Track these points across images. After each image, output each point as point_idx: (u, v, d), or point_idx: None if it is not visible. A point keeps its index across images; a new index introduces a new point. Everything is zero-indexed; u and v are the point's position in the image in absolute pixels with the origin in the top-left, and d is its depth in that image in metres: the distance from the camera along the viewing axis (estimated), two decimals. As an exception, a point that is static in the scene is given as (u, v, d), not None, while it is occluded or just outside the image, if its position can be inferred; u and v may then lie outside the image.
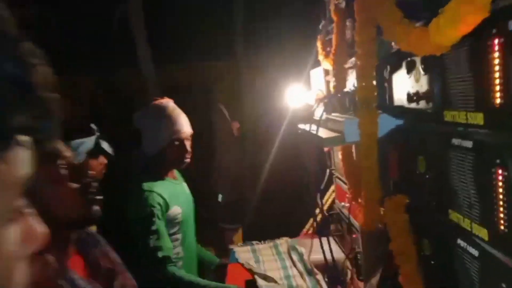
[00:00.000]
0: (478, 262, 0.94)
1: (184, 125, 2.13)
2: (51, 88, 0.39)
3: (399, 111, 1.32)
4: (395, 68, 1.32)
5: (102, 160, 2.44)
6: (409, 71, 1.20)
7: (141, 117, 2.16)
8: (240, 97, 4.35)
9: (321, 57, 2.51)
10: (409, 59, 1.19)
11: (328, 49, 2.48)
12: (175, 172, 2.28)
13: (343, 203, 2.40)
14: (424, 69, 1.11)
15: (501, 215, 0.82)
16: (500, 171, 0.81)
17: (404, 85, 1.25)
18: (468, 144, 0.92)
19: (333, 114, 1.74)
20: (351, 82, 1.99)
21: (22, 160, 0.39)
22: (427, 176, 1.15)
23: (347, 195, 2.34)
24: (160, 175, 2.13)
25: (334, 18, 2.08)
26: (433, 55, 1.00)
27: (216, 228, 3.43)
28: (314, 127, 1.67)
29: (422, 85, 1.13)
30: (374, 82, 1.34)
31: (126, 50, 4.00)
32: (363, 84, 1.34)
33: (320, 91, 2.66)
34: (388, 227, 1.34)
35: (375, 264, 2.10)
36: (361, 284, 2.13)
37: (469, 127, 0.92)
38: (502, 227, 0.82)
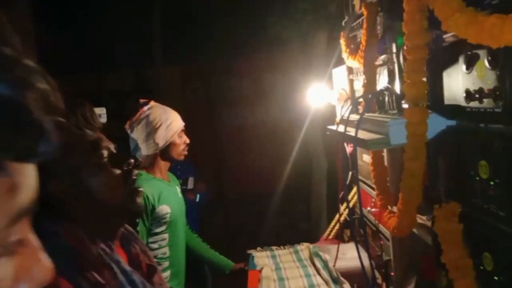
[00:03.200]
0: None
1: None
2: (50, 107, 0.37)
3: (452, 111, 1.20)
4: (448, 64, 1.20)
5: None
6: (469, 66, 1.08)
7: (144, 116, 2.10)
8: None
9: (345, 55, 2.39)
10: (469, 52, 1.07)
11: (352, 46, 2.37)
12: (168, 175, 2.25)
13: (369, 208, 2.28)
14: (491, 63, 0.99)
15: None
16: None
17: (461, 82, 1.13)
18: (556, 148, 0.80)
19: (367, 114, 1.62)
20: (383, 80, 1.87)
21: (14, 185, 0.35)
22: (491, 183, 1.03)
23: (372, 200, 2.23)
24: (154, 173, 2.12)
25: (364, 12, 1.96)
26: (505, 47, 0.88)
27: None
28: (349, 128, 1.55)
29: (489, 81, 1.01)
30: (425, 79, 1.22)
31: None
32: (413, 80, 1.23)
33: (344, 90, 2.54)
34: (440, 238, 1.22)
35: (408, 273, 1.98)
36: (390, 293, 2.02)
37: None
38: None
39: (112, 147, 0.99)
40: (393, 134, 1.27)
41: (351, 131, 1.54)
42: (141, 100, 2.23)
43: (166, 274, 2.08)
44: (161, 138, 2.03)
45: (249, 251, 2.56)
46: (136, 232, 1.94)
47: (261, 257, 2.45)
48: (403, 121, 1.25)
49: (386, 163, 1.89)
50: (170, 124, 2.07)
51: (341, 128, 1.61)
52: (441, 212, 1.23)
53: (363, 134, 1.43)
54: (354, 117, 1.69)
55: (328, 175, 4.23)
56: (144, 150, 2.08)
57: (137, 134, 2.06)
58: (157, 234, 2.01)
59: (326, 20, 2.83)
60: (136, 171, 1.02)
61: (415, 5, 1.20)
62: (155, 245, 2.04)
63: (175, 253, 2.13)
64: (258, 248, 2.64)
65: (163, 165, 2.14)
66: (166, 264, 2.07)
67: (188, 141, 2.17)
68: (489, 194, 1.04)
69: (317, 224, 4.92)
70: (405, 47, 1.27)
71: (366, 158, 2.25)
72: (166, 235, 2.06)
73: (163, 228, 2.04)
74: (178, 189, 2.28)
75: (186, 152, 2.18)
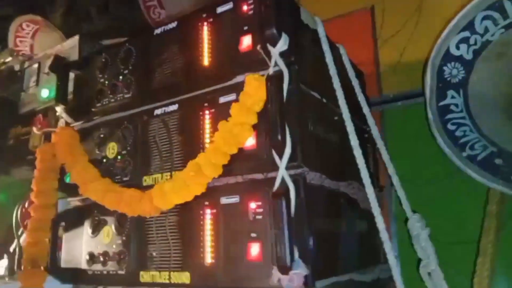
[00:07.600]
0: None
1: None
2: None
3: (71, 274, 1.19)
4: (73, 226, 1.23)
5: None
6: (95, 230, 1.17)
7: None
8: None
9: None
10: (97, 218, 1.17)
11: None
12: None
13: None
14: (118, 229, 1.12)
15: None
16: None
17: (85, 245, 1.18)
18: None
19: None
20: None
21: None
22: None
23: None
24: None
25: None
26: (129, 216, 1.06)
27: None
28: None
29: (114, 246, 1.12)
30: (47, 239, 1.18)
31: None
32: (34, 240, 1.15)
33: None
34: None
35: None
36: None
37: (172, 287, 0.99)
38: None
39: None
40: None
41: None
42: None
43: None
44: None
45: None
46: None
47: None
48: (16, 284, 1.11)
49: None
50: None
51: None
52: None
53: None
54: None
55: None
56: None
57: None
58: None
59: None
60: None
61: (47, 166, 1.21)
62: None
63: None
64: None
65: None
66: None
67: None
68: None
69: None
70: (30, 205, 1.21)
71: None
72: None
73: None
74: None
75: None
